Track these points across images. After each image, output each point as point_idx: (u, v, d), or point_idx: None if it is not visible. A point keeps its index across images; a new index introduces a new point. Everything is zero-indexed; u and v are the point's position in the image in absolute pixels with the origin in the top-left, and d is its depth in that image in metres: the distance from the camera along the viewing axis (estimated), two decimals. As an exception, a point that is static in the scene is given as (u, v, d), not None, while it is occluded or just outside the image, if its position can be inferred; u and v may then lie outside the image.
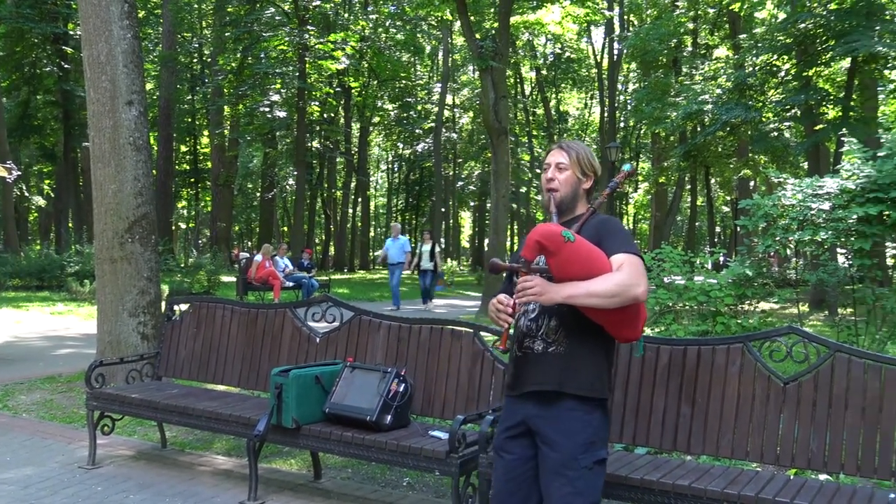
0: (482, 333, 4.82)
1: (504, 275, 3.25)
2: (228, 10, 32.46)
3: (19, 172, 12.09)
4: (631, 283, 2.76)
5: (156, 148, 32.78)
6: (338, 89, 38.95)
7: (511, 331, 3.00)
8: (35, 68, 30.52)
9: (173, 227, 43.02)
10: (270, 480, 5.14)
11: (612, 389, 3.09)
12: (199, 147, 45.48)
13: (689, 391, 4.05)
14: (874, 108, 23.38)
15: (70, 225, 31.21)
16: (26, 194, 32.29)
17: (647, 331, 7.79)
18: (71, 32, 28.95)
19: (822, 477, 4.34)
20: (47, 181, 34.16)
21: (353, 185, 47.03)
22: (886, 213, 6.98)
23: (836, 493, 3.54)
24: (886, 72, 21.82)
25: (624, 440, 4.20)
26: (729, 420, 3.92)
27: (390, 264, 19.32)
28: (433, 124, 41.71)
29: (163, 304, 7.81)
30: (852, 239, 7.22)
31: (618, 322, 2.88)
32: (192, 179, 45.39)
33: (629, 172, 3.29)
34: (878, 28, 18.38)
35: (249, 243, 54.87)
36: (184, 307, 6.20)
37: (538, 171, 44.96)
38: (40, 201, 32.54)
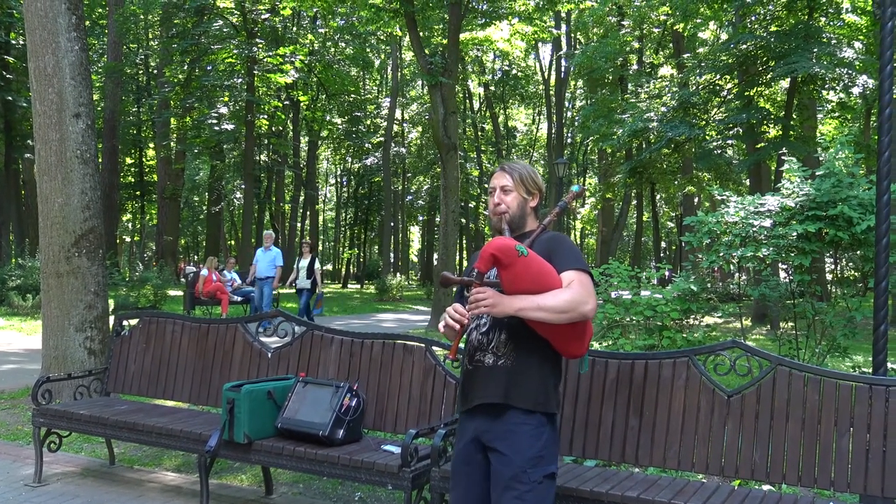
0: (434, 348, 4.87)
1: (454, 289, 3.31)
2: (175, 21, 32.14)
3: None
4: (580, 300, 2.84)
5: (100, 160, 32.19)
6: (286, 103, 38.78)
7: (462, 344, 3.09)
8: (-27, 78, 29.85)
9: (118, 241, 42.30)
10: (221, 496, 5.11)
11: (559, 405, 3.13)
12: (144, 159, 44.86)
13: (636, 404, 4.14)
14: (813, 128, 24.10)
15: (11, 238, 30.51)
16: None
17: (595, 345, 7.91)
18: (13, 42, 28.40)
19: (766, 487, 4.47)
20: (-14, 193, 33.45)
21: (301, 198, 46.76)
22: (825, 230, 7.20)
23: (779, 502, 3.67)
24: (824, 92, 22.50)
25: (574, 453, 4.27)
26: (675, 432, 4.03)
27: (258, 279, 16.60)
28: (382, 139, 41.73)
29: (110, 318, 7.73)
30: (793, 255, 7.42)
31: (565, 337, 2.95)
32: (138, 192, 44.68)
33: (577, 193, 3.42)
34: (815, 50, 18.96)
35: (196, 257, 54.17)
36: (133, 322, 6.14)
37: (487, 186, 45.26)
38: (-21, 214, 31.81)
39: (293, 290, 18.10)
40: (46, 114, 7.72)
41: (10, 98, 27.68)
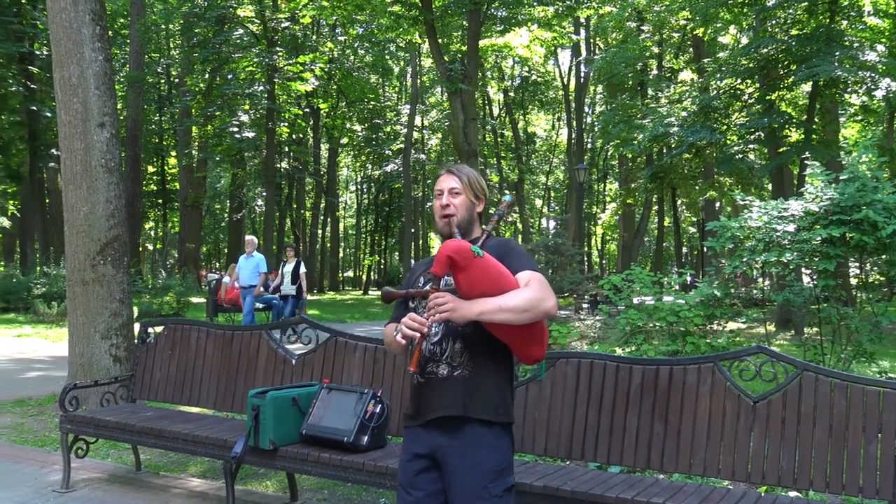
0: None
1: (395, 303, 3.18)
2: (196, 31, 32.40)
3: None
4: (541, 297, 2.72)
5: (123, 168, 32.44)
6: (307, 110, 39.01)
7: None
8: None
9: (141, 249, 42.62)
10: (247, 502, 5.13)
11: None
12: (166, 167, 45.22)
13: (661, 410, 4.13)
14: (835, 132, 23.92)
15: (36, 246, 30.81)
16: (-9, 215, 31.91)
17: (619, 351, 7.89)
18: (38, 53, 28.73)
19: (793, 493, 4.44)
20: (12, 201, 33.75)
21: (322, 205, 46.94)
22: (849, 234, 7.15)
23: (806, 508, 3.64)
24: (846, 96, 22.34)
25: (598, 459, 4.26)
26: (701, 438, 4.00)
27: (241, 287, 15.75)
28: (402, 145, 41.86)
29: (135, 326, 7.79)
30: (817, 260, 7.38)
31: (525, 341, 2.83)
32: (160, 200, 45.05)
33: (510, 203, 3.32)
34: (837, 53, 18.83)
35: (218, 264, 54.52)
36: (158, 329, 6.19)
37: (506, 192, 45.31)
38: (5, 222, 32.14)
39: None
40: (71, 123, 7.80)
41: (34, 108, 28.01)
